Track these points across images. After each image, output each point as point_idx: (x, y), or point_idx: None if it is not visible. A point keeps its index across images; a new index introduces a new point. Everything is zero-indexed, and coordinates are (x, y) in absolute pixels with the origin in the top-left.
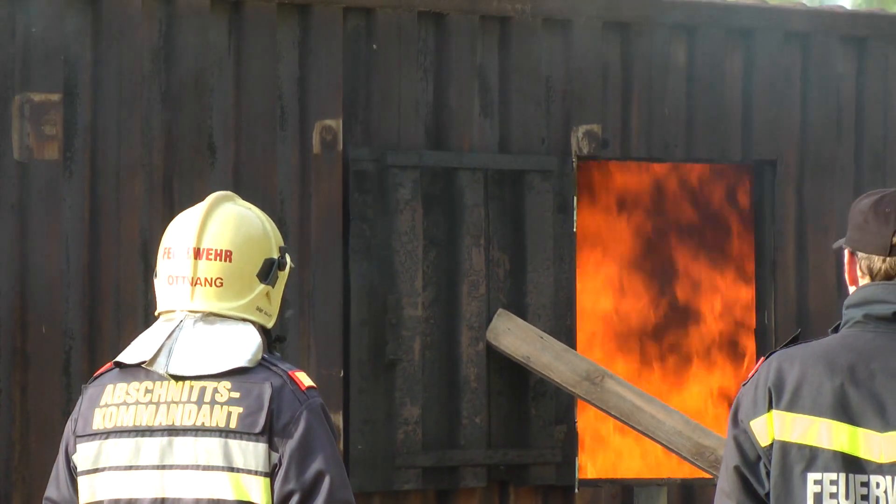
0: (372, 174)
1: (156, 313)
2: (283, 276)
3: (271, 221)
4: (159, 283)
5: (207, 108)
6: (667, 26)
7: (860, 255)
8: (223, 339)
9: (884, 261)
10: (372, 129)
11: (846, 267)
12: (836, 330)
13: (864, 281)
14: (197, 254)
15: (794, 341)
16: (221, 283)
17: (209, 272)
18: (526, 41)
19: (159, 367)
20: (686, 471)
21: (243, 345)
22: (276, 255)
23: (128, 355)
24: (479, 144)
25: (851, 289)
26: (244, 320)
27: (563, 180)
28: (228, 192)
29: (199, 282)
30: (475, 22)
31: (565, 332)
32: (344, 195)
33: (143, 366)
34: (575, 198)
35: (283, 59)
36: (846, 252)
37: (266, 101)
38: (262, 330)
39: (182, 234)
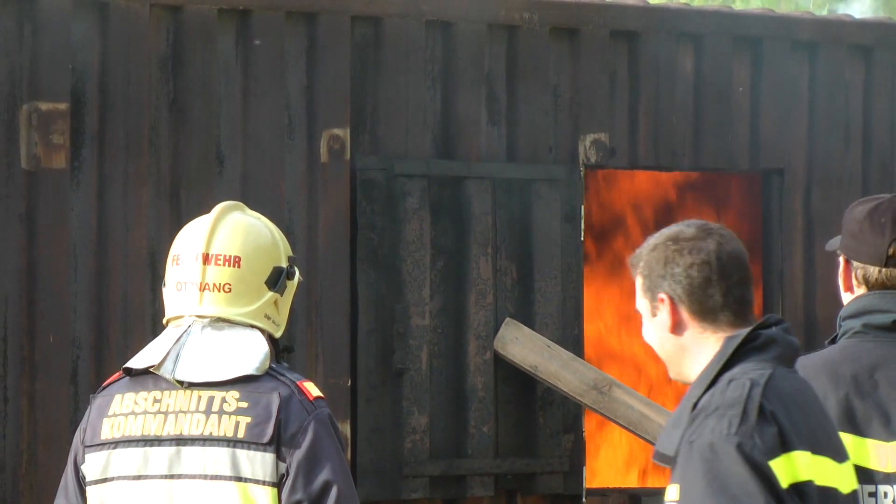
0: (380, 183)
1: (164, 321)
2: (292, 285)
3: (280, 231)
4: (167, 291)
5: (215, 117)
6: (674, 35)
7: (855, 263)
8: (231, 344)
9: (880, 271)
10: (379, 137)
11: (841, 273)
12: (833, 341)
13: (859, 290)
14: (206, 259)
15: None
16: (230, 289)
17: (218, 277)
18: (533, 50)
19: (166, 372)
20: None
21: (251, 352)
22: (284, 264)
23: (136, 361)
24: (486, 153)
25: (846, 296)
26: (252, 327)
27: (570, 189)
28: (237, 202)
29: (207, 287)
30: (483, 30)
31: (572, 342)
32: (351, 204)
33: (150, 370)
34: (582, 207)
35: (290, 68)
36: (841, 258)
37: (273, 110)
38: (271, 339)
39: (191, 240)
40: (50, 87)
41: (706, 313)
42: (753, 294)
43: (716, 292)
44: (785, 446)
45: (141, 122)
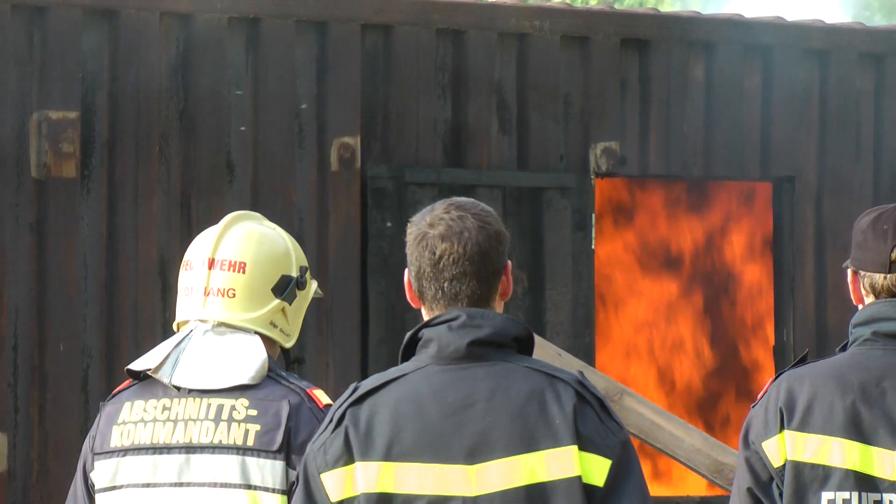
0: (390, 191)
1: (174, 325)
2: (303, 295)
3: (295, 242)
4: (179, 296)
5: (225, 125)
6: (685, 43)
7: (862, 273)
8: (230, 351)
9: (885, 278)
10: (390, 146)
11: (850, 286)
12: (843, 348)
13: (868, 299)
14: (211, 264)
15: (803, 361)
16: (234, 294)
17: (222, 282)
18: (544, 58)
19: (164, 377)
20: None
21: (249, 360)
22: (294, 273)
23: (138, 363)
24: (497, 161)
25: (859, 307)
26: (256, 333)
27: (581, 197)
28: (253, 213)
29: (211, 291)
30: (493, 39)
31: (584, 350)
32: (362, 212)
33: (148, 373)
34: (593, 215)
35: (300, 77)
36: (849, 271)
37: (284, 118)
38: (282, 350)
39: (200, 246)
40: (60, 95)
41: (424, 299)
42: (482, 286)
43: (429, 286)
44: (349, 457)
45: (151, 130)
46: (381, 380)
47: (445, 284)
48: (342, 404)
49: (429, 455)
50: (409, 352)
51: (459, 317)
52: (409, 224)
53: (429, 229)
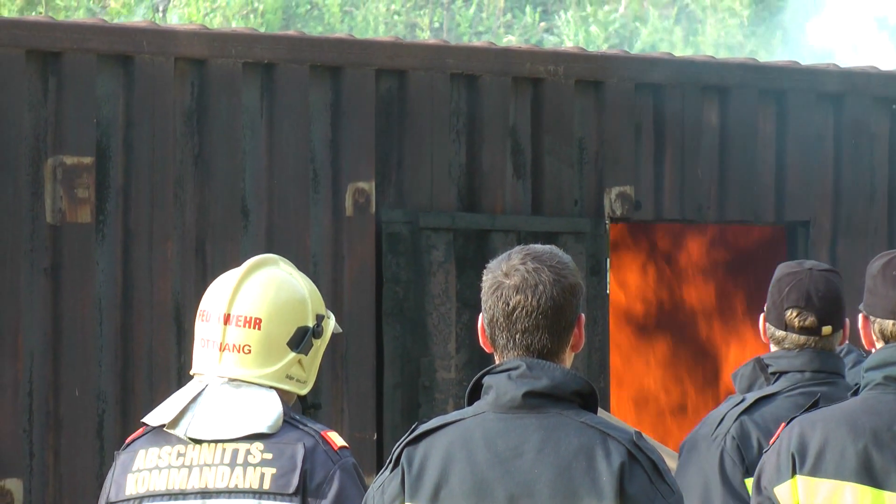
0: (405, 236)
1: (190, 373)
2: (321, 342)
3: (313, 287)
4: (195, 345)
5: (240, 170)
6: (699, 87)
7: (872, 318)
8: (245, 404)
9: (894, 324)
10: (405, 191)
11: (861, 330)
12: (855, 393)
13: (879, 345)
14: (227, 320)
15: (815, 406)
16: (249, 351)
17: (237, 339)
18: (558, 103)
19: (180, 431)
20: None
21: (264, 412)
22: (311, 323)
23: (153, 417)
24: (511, 206)
25: (871, 351)
26: (271, 388)
27: (596, 242)
28: (272, 256)
29: (227, 347)
30: (508, 83)
31: (598, 394)
32: (377, 257)
33: (164, 428)
34: (608, 259)
35: (315, 122)
36: (860, 316)
37: (299, 163)
38: (297, 397)
39: (216, 298)
40: (75, 140)
41: (496, 346)
42: (553, 340)
43: (501, 335)
44: (403, 496)
45: (166, 175)
46: (440, 422)
47: (517, 336)
48: (401, 444)
49: (472, 501)
50: (475, 396)
51: (520, 367)
52: (485, 270)
53: (504, 279)
